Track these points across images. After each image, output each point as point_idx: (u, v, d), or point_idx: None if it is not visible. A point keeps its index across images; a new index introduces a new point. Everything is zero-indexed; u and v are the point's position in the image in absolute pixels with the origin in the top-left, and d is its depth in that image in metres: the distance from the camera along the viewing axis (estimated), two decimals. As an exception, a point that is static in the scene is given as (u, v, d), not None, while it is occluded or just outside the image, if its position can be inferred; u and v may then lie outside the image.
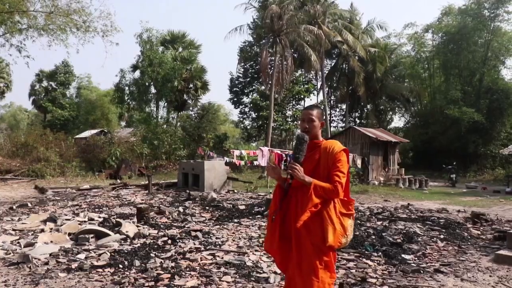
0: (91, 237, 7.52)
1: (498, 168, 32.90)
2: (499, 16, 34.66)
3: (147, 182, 17.70)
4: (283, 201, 3.57)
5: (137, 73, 38.81)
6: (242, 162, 23.20)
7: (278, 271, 5.78)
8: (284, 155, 20.41)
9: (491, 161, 34.39)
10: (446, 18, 38.38)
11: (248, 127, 44.54)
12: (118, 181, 21.54)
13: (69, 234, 7.95)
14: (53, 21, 19.24)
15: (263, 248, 7.08)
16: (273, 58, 30.59)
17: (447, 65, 37.40)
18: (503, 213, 12.36)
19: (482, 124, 32.35)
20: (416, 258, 6.74)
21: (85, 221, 9.39)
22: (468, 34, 34.89)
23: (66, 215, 10.31)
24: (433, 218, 10.52)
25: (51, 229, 8.46)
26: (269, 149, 20.58)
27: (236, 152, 21.50)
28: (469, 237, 8.48)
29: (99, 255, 6.57)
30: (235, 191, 17.69)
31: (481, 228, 9.53)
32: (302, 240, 3.44)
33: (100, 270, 5.81)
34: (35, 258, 6.20)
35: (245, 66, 43.34)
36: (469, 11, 35.50)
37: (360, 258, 6.52)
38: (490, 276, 5.84)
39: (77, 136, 38.66)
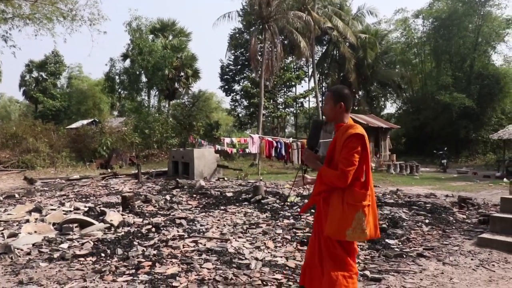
0: (75, 227, 7.50)
1: (489, 153, 33.07)
2: (489, 0, 34.58)
3: (137, 171, 17.67)
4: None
5: (127, 62, 38.77)
6: (234, 150, 23.19)
7: (260, 257, 5.80)
8: (275, 142, 20.43)
9: (482, 146, 34.56)
10: (437, 3, 38.24)
11: (240, 114, 44.53)
12: (109, 170, 21.48)
13: (54, 224, 7.92)
14: (39, 9, 19.00)
15: (246, 234, 7.10)
16: (262, 45, 30.46)
17: (437, 50, 37.35)
18: (491, 197, 12.40)
19: (473, 110, 32.41)
20: (400, 243, 6.75)
21: (70, 211, 9.35)
22: (458, 19, 34.80)
23: (52, 205, 10.26)
24: (420, 203, 10.54)
25: (36, 219, 8.42)
26: (259, 137, 20.56)
27: (227, 140, 21.51)
28: (454, 221, 8.50)
29: (82, 244, 6.56)
30: (225, 178, 17.69)
31: (467, 212, 9.56)
32: (319, 229, 3.38)
33: (82, 259, 5.80)
34: (17, 249, 6.18)
35: (236, 54, 43.28)
36: (460, -4, 35.45)
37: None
38: (472, 259, 5.85)
39: (68, 127, 38.49)
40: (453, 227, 7.94)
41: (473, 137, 34.21)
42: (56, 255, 5.96)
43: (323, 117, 3.50)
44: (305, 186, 3.65)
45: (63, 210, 9.24)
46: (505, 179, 18.63)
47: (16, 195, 12.56)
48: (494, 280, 5.06)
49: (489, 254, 6.07)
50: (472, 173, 22.73)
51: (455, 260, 5.82)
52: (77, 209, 9.58)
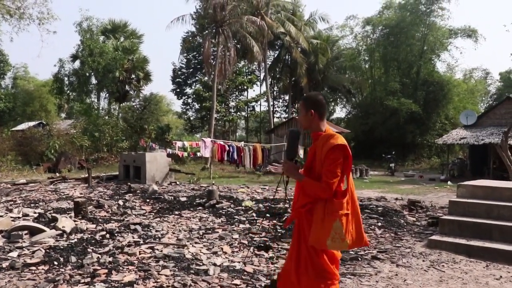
0: (25, 234, 7.22)
1: (434, 157, 34.37)
2: (434, 11, 36.12)
3: (87, 175, 17.26)
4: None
5: (77, 63, 37.82)
6: (185, 154, 23.00)
7: (218, 262, 5.78)
8: (227, 146, 20.41)
9: (427, 150, 35.83)
10: (386, 11, 39.39)
11: (192, 118, 44.33)
12: (57, 174, 20.86)
13: (1, 231, 7.60)
14: (-18, 6, 18.27)
15: (202, 239, 7.06)
16: (216, 48, 30.45)
17: (386, 57, 38.46)
18: (437, 200, 12.88)
19: (419, 115, 33.59)
20: (354, 246, 6.88)
21: (19, 217, 9.02)
22: (406, 28, 36.05)
23: (-1, 211, 9.88)
24: (371, 206, 10.80)
25: (-19, 226, 8.06)
26: (211, 140, 20.50)
27: (179, 144, 21.30)
28: (405, 224, 8.78)
29: (33, 252, 6.31)
30: (178, 182, 17.54)
31: (417, 215, 9.90)
32: (300, 237, 3.36)
33: (34, 268, 5.58)
34: (-38, 258, 5.89)
35: (188, 57, 43.11)
36: (407, 6, 36.70)
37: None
38: (423, 260, 6.06)
39: (13, 129, 37.06)
40: (405, 230, 8.20)
41: (419, 142, 35.41)
42: (5, 264, 5.71)
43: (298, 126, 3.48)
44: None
45: (11, 217, 8.89)
46: (449, 182, 19.38)
47: (-42, 201, 11.99)
48: (445, 280, 5.26)
49: (439, 255, 6.31)
50: (419, 176, 23.50)
51: (407, 262, 6.01)
52: (26, 215, 9.24)
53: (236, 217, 9.15)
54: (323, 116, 3.38)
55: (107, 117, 36.80)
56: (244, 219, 8.91)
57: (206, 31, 32.18)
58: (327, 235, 3.14)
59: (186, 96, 44.54)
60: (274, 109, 47.27)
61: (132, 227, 7.93)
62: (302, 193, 3.27)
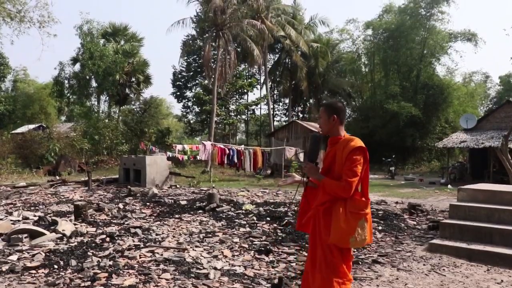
0: (25, 237, 7.20)
1: (434, 160, 34.34)
2: (433, 15, 36.18)
3: (87, 178, 17.26)
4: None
5: (77, 66, 37.90)
6: (185, 157, 23.01)
7: (219, 266, 5.77)
8: (227, 149, 20.42)
9: (427, 154, 35.81)
10: (386, 15, 39.44)
11: (192, 121, 44.33)
12: (57, 177, 20.85)
13: (1, 234, 7.59)
14: (-17, 9, 18.32)
15: (203, 243, 7.04)
16: (216, 52, 30.49)
17: (386, 61, 38.47)
18: (438, 203, 12.87)
19: (419, 118, 33.59)
20: (355, 250, 6.86)
21: (19, 220, 9.00)
22: (406, 31, 36.10)
23: (-1, 214, 9.86)
24: (372, 210, 10.77)
25: (-19, 229, 8.04)
26: (212, 144, 20.50)
27: (179, 147, 21.30)
28: (406, 227, 8.77)
29: (33, 255, 6.29)
30: (178, 186, 17.54)
31: (417, 218, 9.90)
32: (316, 237, 3.49)
33: (34, 271, 5.56)
34: (-38, 261, 5.88)
35: (188, 60, 43.14)
36: (407, 10, 36.75)
37: (301, 251, 6.59)
38: (424, 264, 6.05)
39: (13, 132, 37.09)
40: (405, 234, 8.19)
41: (419, 145, 35.42)
42: (4, 267, 5.69)
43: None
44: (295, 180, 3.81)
45: (11, 220, 8.88)
46: (449, 186, 19.37)
47: (-42, 204, 11.97)
48: (445, 284, 5.25)
49: (439, 259, 6.29)
50: (419, 180, 23.48)
51: (408, 265, 5.99)
52: (26, 218, 9.22)
53: (237, 220, 9.13)
54: (343, 122, 3.60)
55: (107, 120, 36.89)
56: (245, 222, 8.89)
57: (207, 35, 32.24)
58: (351, 233, 3.30)
59: (186, 99, 44.54)
60: (274, 113, 47.30)
61: (133, 230, 7.92)
62: (322, 191, 3.40)
